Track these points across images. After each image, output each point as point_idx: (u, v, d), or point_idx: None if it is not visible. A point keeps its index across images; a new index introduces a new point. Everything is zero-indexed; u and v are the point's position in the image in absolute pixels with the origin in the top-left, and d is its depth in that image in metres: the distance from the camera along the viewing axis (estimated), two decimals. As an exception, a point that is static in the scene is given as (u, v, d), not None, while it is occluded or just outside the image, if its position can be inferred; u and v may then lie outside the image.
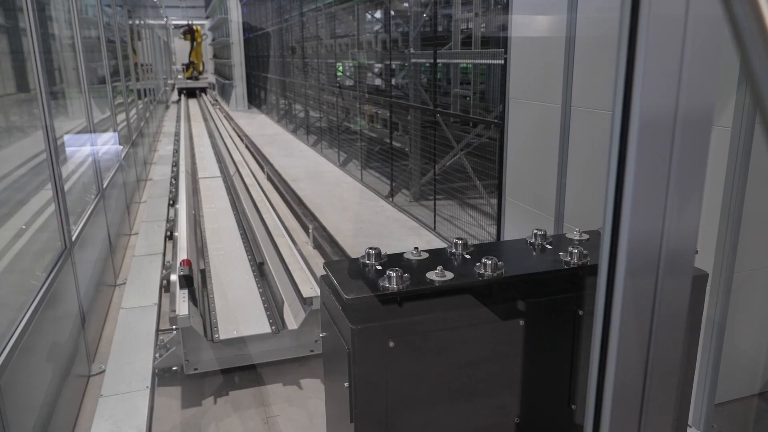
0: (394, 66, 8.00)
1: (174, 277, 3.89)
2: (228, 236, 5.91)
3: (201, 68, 29.91)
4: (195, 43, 28.79)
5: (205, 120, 17.53)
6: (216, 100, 24.82)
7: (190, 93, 27.17)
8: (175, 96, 26.49)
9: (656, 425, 1.05)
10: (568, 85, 3.56)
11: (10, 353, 2.36)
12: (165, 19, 27.70)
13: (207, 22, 30.83)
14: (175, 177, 8.08)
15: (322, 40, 11.45)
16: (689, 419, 2.72)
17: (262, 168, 9.93)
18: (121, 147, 7.02)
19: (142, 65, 12.56)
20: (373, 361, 1.71)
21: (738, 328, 2.94)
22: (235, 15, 21.07)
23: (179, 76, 29.27)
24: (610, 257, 0.96)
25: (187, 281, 3.74)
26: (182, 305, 3.47)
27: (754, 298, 2.96)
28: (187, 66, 29.38)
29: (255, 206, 6.35)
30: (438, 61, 6.44)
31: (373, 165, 8.94)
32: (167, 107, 21.29)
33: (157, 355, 3.60)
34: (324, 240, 5.81)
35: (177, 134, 13.44)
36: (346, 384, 1.74)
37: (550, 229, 2.99)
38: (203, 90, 28.16)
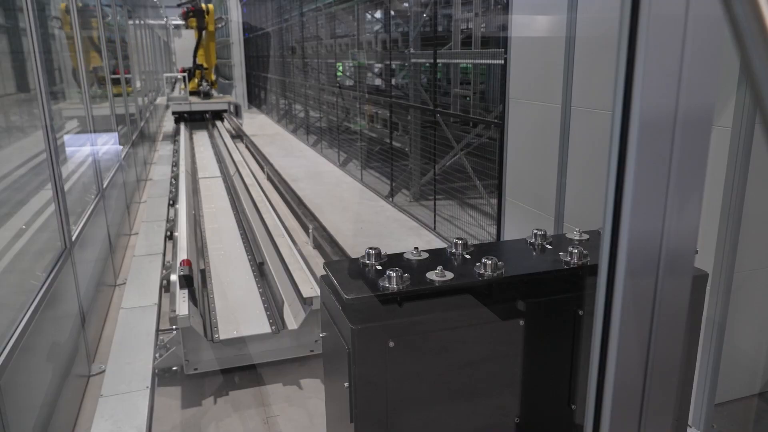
0: (394, 66, 8.00)
1: (174, 277, 3.89)
2: (228, 236, 5.91)
3: (213, 76, 16.56)
4: (204, 32, 15.66)
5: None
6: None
7: (195, 119, 14.72)
8: (168, 125, 15.25)
9: (656, 425, 1.05)
10: (568, 85, 3.56)
11: (10, 353, 2.36)
12: (165, 19, 27.14)
13: (207, 22, 30.36)
14: (175, 177, 8.08)
15: (322, 40, 11.45)
16: (689, 419, 2.72)
17: (262, 168, 9.93)
18: (121, 147, 7.01)
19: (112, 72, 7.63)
20: (373, 361, 1.71)
21: (738, 328, 2.94)
22: (235, 15, 21.07)
23: (178, 87, 17.40)
24: (610, 257, 0.96)
25: (187, 281, 3.74)
26: (182, 305, 3.47)
27: (754, 298, 2.96)
28: (192, 71, 16.10)
29: (255, 206, 6.35)
30: (438, 61, 6.44)
31: (373, 165, 8.94)
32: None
33: (157, 355, 3.60)
34: (324, 240, 5.81)
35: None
36: (346, 384, 1.74)
37: (550, 229, 2.99)
38: (219, 115, 15.02)
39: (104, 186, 5.19)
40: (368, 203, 7.71)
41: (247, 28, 20.95)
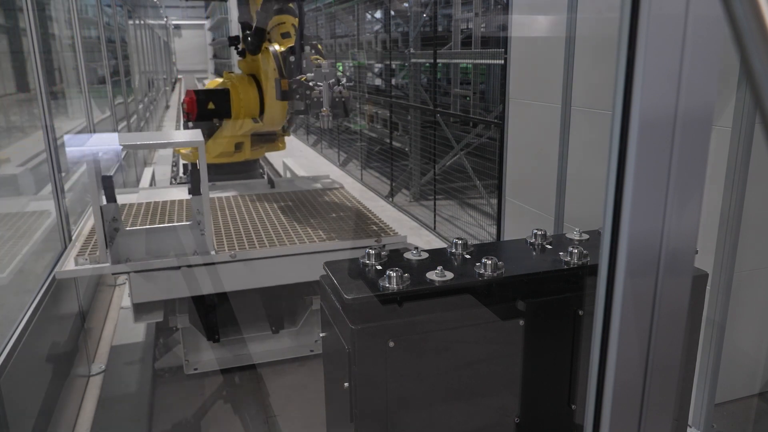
0: (394, 66, 8.00)
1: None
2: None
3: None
4: None
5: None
6: None
7: None
8: None
9: (656, 425, 1.05)
10: (568, 85, 3.56)
11: (10, 353, 2.36)
12: (165, 19, 26.96)
13: (207, 22, 30.34)
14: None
15: (322, 40, 11.45)
16: (689, 419, 2.72)
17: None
18: (121, 147, 7.00)
19: None
20: (373, 361, 1.71)
21: (738, 328, 2.94)
22: (236, 15, 20.97)
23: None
24: (610, 257, 0.96)
25: None
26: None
27: (754, 298, 2.96)
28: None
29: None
30: (438, 61, 6.44)
31: (373, 165, 8.95)
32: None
33: (157, 354, 3.61)
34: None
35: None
36: (346, 384, 1.74)
37: (550, 229, 2.99)
38: None
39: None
40: (368, 203, 7.70)
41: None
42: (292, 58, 3.31)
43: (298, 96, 3.25)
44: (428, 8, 6.85)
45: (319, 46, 3.70)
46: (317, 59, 3.34)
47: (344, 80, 3.27)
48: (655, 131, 0.89)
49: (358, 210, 3.66)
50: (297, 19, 3.66)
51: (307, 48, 3.42)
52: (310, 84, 3.12)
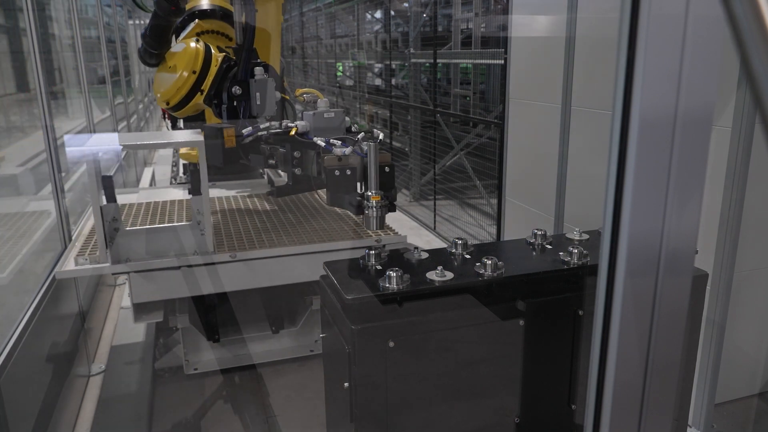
0: (394, 66, 8.00)
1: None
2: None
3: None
4: None
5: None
6: None
7: None
8: None
9: (656, 425, 1.05)
10: (568, 85, 3.56)
11: (10, 353, 2.36)
12: None
13: (207, 22, 30.19)
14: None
15: (322, 40, 11.45)
16: (689, 419, 2.72)
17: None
18: (121, 147, 7.00)
19: None
20: (373, 361, 1.71)
21: (738, 328, 2.94)
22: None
23: None
24: (610, 257, 0.96)
25: None
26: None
27: (754, 298, 2.96)
28: None
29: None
30: (438, 61, 6.44)
31: (373, 165, 8.95)
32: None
33: (157, 354, 3.60)
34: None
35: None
36: (346, 384, 1.74)
37: (550, 229, 2.99)
38: None
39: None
40: (368, 203, 7.70)
41: (247, 28, 20.86)
42: (237, 90, 2.19)
43: (272, 160, 2.16)
44: (428, 8, 6.85)
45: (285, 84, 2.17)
46: (307, 94, 2.20)
47: (379, 133, 1.94)
48: (655, 131, 0.89)
49: None
50: (246, 32, 2.39)
51: (260, 70, 2.18)
52: (317, 142, 2.00)
